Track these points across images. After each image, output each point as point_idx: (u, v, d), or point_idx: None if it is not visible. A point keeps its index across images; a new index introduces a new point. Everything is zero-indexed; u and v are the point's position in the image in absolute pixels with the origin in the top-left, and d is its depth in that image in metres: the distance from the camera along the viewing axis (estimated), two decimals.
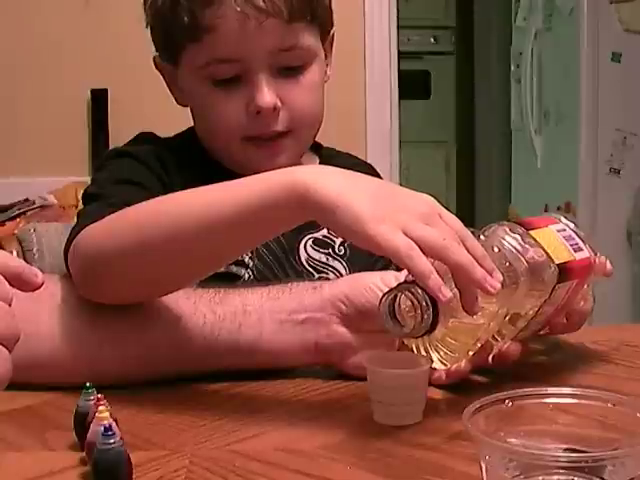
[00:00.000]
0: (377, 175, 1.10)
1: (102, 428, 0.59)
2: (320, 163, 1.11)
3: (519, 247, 0.76)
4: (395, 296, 0.70)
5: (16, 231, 1.15)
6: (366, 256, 1.02)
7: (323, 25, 1.03)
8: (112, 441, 0.59)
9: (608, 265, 0.86)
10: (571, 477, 0.51)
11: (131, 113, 2.34)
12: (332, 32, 1.07)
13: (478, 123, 5.11)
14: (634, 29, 3.07)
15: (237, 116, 0.98)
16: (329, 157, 1.13)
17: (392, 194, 0.75)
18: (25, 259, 1.14)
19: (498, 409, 0.58)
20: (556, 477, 0.51)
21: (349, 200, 0.71)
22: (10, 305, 0.56)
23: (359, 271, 1.04)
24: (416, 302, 0.68)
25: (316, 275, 1.04)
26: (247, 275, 1.01)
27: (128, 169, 0.99)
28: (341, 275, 1.05)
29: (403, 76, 2.84)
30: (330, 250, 1.06)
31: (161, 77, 1.09)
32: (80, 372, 0.78)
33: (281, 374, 0.85)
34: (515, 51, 3.81)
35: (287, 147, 1.01)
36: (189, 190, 0.81)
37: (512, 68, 3.85)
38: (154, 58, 1.07)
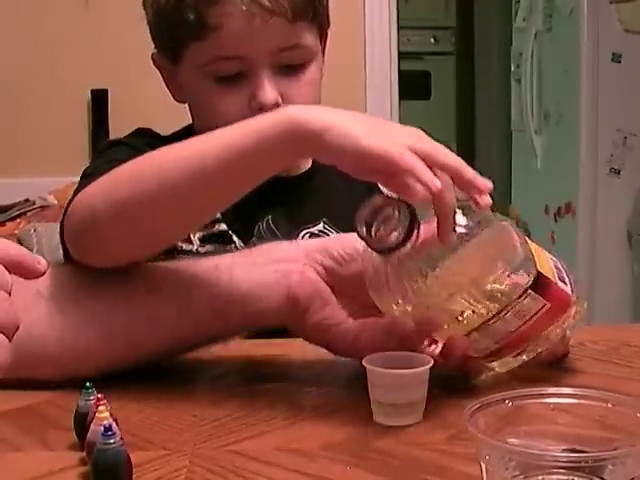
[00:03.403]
0: None
1: (102, 428, 0.59)
2: (310, 174, 1.12)
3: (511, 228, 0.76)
4: (373, 210, 0.71)
5: (16, 231, 1.16)
6: None
7: (322, 25, 1.05)
8: (112, 441, 0.59)
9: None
10: (571, 477, 0.51)
11: (131, 113, 2.34)
12: (326, 35, 1.08)
13: (478, 123, 5.11)
14: (634, 29, 3.07)
15: (239, 112, 0.98)
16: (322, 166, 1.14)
17: (384, 124, 0.77)
18: None
19: (498, 409, 0.58)
20: (556, 477, 0.51)
21: (343, 123, 0.72)
22: (10, 294, 0.55)
23: None
24: (393, 211, 0.70)
25: None
26: None
27: (125, 154, 0.98)
28: None
29: (403, 76, 2.84)
30: None
31: (160, 77, 1.09)
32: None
33: (281, 374, 0.85)
34: (515, 51, 3.81)
35: None
36: (181, 142, 0.80)
37: (512, 68, 3.85)
38: (152, 55, 1.08)
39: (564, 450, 0.56)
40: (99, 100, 2.42)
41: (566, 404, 0.60)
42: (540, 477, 0.52)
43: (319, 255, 0.81)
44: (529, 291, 0.75)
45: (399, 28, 2.77)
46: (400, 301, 0.74)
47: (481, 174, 0.76)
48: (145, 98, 2.30)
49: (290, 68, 1.01)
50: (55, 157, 2.49)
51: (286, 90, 1.00)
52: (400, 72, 2.77)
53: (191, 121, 1.09)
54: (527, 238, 0.78)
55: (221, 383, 0.84)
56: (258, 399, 0.79)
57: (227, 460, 0.65)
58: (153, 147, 0.99)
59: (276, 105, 0.98)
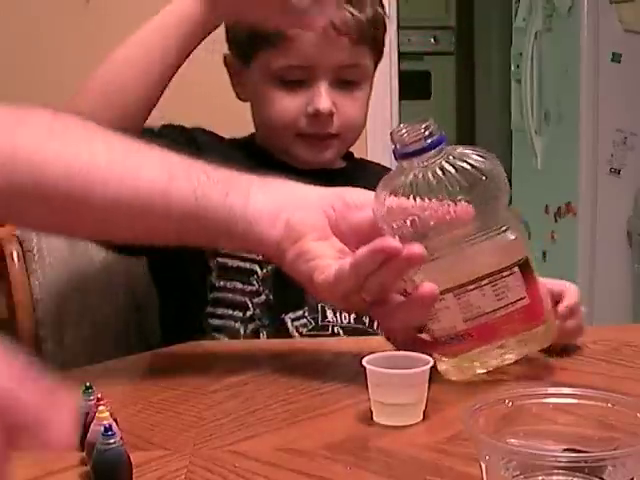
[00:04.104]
0: None
1: (102, 428, 0.59)
2: (348, 170, 1.23)
3: None
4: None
5: (17, 232, 1.15)
6: None
7: (378, 52, 1.19)
8: (112, 441, 0.59)
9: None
10: (571, 477, 0.51)
11: None
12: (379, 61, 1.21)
13: (478, 123, 5.12)
14: (634, 29, 3.07)
15: (296, 114, 1.12)
16: (359, 165, 1.26)
17: None
18: (25, 260, 1.14)
19: (498, 409, 0.58)
20: (556, 477, 0.51)
21: None
22: None
23: None
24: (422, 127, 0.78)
25: None
26: (263, 271, 1.07)
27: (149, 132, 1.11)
28: None
29: (403, 76, 2.84)
30: None
31: (228, 75, 1.20)
32: None
33: (281, 374, 0.85)
34: (515, 51, 3.81)
35: (333, 147, 1.16)
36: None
37: (512, 68, 3.85)
38: (225, 56, 1.21)
39: (564, 450, 0.56)
40: None
41: (566, 404, 0.60)
42: (540, 477, 0.52)
43: (333, 197, 0.83)
44: (515, 269, 0.75)
45: (399, 28, 2.77)
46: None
47: None
48: None
49: (346, 84, 1.14)
50: None
51: (340, 103, 1.13)
52: (400, 72, 2.77)
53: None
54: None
55: (221, 383, 0.84)
56: (258, 399, 0.79)
57: (227, 460, 0.65)
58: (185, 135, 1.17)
59: (330, 113, 1.12)
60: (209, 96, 1.98)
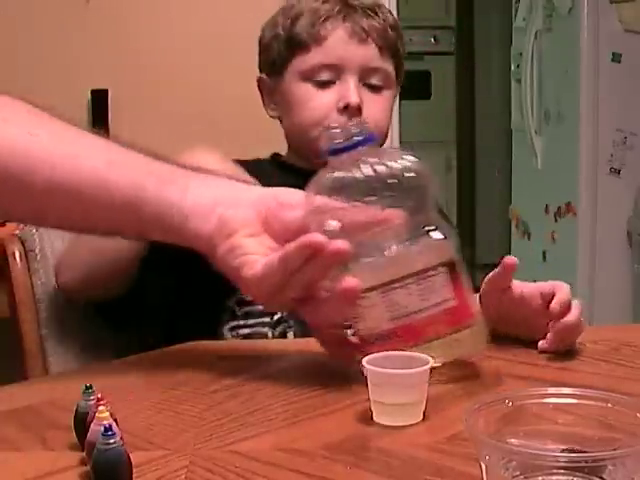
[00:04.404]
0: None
1: (102, 428, 0.59)
2: None
3: None
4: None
5: (18, 231, 1.15)
6: None
7: (399, 65, 1.26)
8: (112, 441, 0.59)
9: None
10: (571, 477, 0.51)
11: (131, 113, 2.34)
12: (401, 79, 1.28)
13: (478, 123, 5.12)
14: (634, 29, 3.07)
15: (327, 109, 1.19)
16: None
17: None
18: (27, 259, 1.15)
19: (498, 409, 0.58)
20: (556, 477, 0.51)
21: None
22: None
23: None
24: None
25: None
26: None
27: None
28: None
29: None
30: None
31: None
32: None
33: (281, 374, 0.85)
34: (515, 51, 3.82)
35: None
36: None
37: (512, 68, 3.86)
38: (258, 80, 1.28)
39: (564, 450, 0.56)
40: (99, 100, 2.42)
41: (566, 404, 0.60)
42: (540, 477, 0.52)
43: (268, 197, 0.84)
44: (442, 269, 0.75)
45: None
46: None
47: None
48: (145, 98, 2.30)
49: (371, 87, 1.22)
50: None
51: (367, 101, 1.20)
52: None
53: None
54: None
55: (221, 383, 0.84)
56: (258, 399, 0.79)
57: (227, 460, 0.65)
58: None
59: (359, 108, 1.18)
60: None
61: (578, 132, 3.16)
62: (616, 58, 3.09)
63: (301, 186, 0.82)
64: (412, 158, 0.78)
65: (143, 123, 2.25)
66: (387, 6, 2.69)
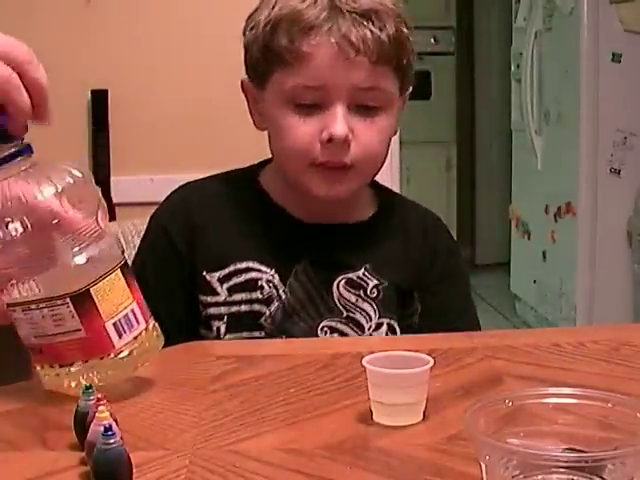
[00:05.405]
0: (446, 230, 1.21)
1: (102, 428, 0.59)
2: (379, 207, 1.16)
3: None
4: None
5: None
6: (401, 303, 1.10)
7: (404, 76, 1.08)
8: (112, 441, 0.59)
9: None
10: (571, 477, 0.51)
11: (131, 113, 2.34)
12: (408, 91, 1.11)
13: (478, 123, 5.12)
14: (634, 29, 3.07)
15: (310, 140, 1.03)
16: (390, 204, 1.18)
17: None
18: None
19: (498, 409, 0.58)
20: (556, 477, 0.51)
21: None
22: None
23: (390, 316, 1.10)
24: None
25: (344, 313, 1.09)
26: (277, 304, 1.08)
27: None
28: (369, 317, 1.09)
29: None
30: (361, 292, 1.09)
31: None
32: None
33: (281, 374, 0.85)
34: (515, 51, 3.82)
35: (348, 179, 1.06)
36: None
37: (512, 68, 3.86)
38: (242, 82, 1.13)
39: (564, 450, 0.56)
40: (99, 100, 2.41)
41: (566, 404, 0.60)
42: (540, 477, 0.52)
43: None
44: (67, 299, 0.75)
45: None
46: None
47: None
48: (145, 98, 2.29)
49: (365, 109, 1.04)
50: (55, 157, 2.48)
51: (358, 129, 1.03)
52: None
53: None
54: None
55: (221, 383, 0.84)
56: (258, 399, 0.79)
57: (227, 460, 0.65)
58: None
59: (346, 140, 1.02)
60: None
61: (578, 132, 3.16)
62: (616, 58, 3.09)
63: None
64: (74, 172, 0.81)
65: (143, 123, 2.25)
66: None
